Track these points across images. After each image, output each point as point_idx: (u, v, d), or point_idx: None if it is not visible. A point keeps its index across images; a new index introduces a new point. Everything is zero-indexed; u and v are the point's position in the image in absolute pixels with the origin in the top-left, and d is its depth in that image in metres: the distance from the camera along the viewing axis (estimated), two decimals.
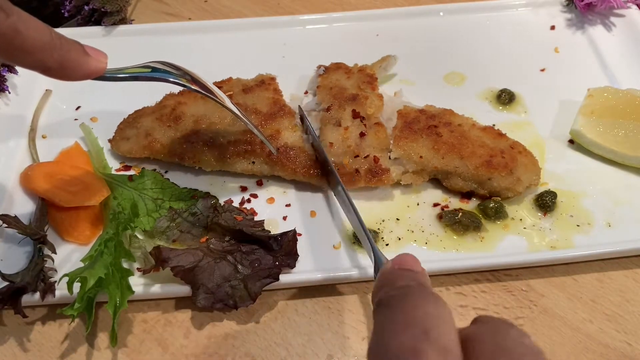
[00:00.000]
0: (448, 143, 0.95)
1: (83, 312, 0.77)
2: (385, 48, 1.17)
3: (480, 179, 0.94)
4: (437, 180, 0.99)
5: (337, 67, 1.10)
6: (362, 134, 0.97)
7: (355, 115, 0.99)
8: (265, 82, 1.06)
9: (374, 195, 0.97)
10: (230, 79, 1.08)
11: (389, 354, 0.42)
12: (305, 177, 0.95)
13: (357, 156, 0.95)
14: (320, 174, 0.95)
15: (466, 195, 0.97)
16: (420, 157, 0.95)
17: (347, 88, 1.04)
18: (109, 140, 1.02)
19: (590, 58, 1.19)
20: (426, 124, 0.98)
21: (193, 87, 0.83)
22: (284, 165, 0.95)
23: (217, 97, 0.85)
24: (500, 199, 0.95)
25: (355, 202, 0.96)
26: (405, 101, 1.07)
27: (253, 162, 0.96)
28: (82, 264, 0.81)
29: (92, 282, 0.76)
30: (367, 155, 0.95)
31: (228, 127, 0.98)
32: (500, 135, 0.98)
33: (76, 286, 0.77)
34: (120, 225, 0.85)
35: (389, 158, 0.97)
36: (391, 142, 0.97)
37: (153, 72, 0.81)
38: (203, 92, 0.84)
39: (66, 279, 0.77)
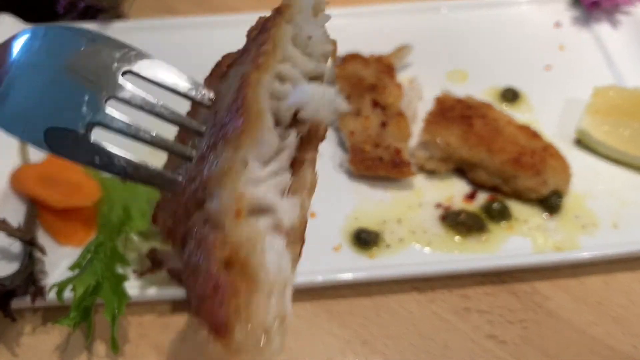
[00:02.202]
0: (478, 135, 0.95)
1: (80, 322, 0.76)
2: (387, 45, 1.15)
3: (505, 176, 0.93)
4: (439, 180, 0.98)
5: (354, 57, 1.10)
6: (383, 124, 0.97)
7: (375, 104, 1.00)
8: None
9: (374, 195, 0.96)
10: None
11: None
12: None
13: (378, 146, 0.96)
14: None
15: (470, 196, 0.96)
16: (448, 144, 0.95)
17: (365, 78, 1.05)
18: None
19: (596, 56, 1.18)
20: (461, 113, 0.98)
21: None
22: None
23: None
24: (503, 198, 0.94)
25: (355, 202, 0.95)
26: (418, 89, 1.08)
27: None
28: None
29: (81, 290, 0.75)
30: (388, 146, 0.95)
31: None
32: (535, 136, 0.98)
33: (68, 294, 0.76)
34: (114, 231, 0.83)
35: (418, 142, 0.98)
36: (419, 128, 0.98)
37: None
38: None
39: (56, 288, 0.77)
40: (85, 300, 0.76)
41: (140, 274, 0.84)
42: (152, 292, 0.82)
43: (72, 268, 0.79)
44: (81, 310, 0.76)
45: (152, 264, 0.81)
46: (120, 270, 0.81)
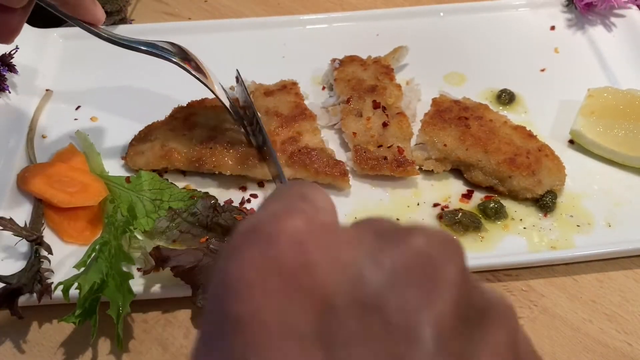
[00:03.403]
0: (475, 136, 0.97)
1: (85, 319, 0.77)
2: (385, 48, 1.17)
3: (501, 176, 0.95)
4: (436, 180, 0.99)
5: (352, 59, 1.12)
6: (384, 124, 0.99)
7: (376, 105, 1.01)
8: (287, 87, 1.07)
9: (373, 194, 0.97)
10: (253, 82, 1.10)
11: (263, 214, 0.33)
12: (328, 178, 0.95)
13: (381, 146, 0.97)
14: (343, 174, 0.95)
15: (467, 195, 0.97)
16: (445, 145, 0.96)
17: (364, 79, 1.07)
18: (122, 157, 1.01)
19: (590, 58, 1.19)
20: (457, 114, 1.00)
21: (193, 72, 0.90)
22: (305, 167, 0.94)
23: (210, 85, 0.92)
24: (499, 197, 0.96)
25: (355, 201, 0.96)
26: (417, 90, 1.10)
27: None
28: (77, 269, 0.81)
29: (86, 288, 0.76)
30: (391, 146, 0.97)
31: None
32: (531, 136, 0.99)
33: (73, 292, 0.78)
34: (119, 229, 0.85)
35: (415, 143, 1.00)
36: (417, 128, 1.01)
37: (157, 50, 0.89)
38: (201, 80, 0.91)
39: (61, 286, 0.78)
40: (90, 297, 0.77)
41: (145, 272, 0.85)
42: (156, 289, 0.83)
43: (77, 266, 0.80)
44: (86, 308, 0.77)
45: (156, 262, 0.82)
46: (125, 268, 0.82)
